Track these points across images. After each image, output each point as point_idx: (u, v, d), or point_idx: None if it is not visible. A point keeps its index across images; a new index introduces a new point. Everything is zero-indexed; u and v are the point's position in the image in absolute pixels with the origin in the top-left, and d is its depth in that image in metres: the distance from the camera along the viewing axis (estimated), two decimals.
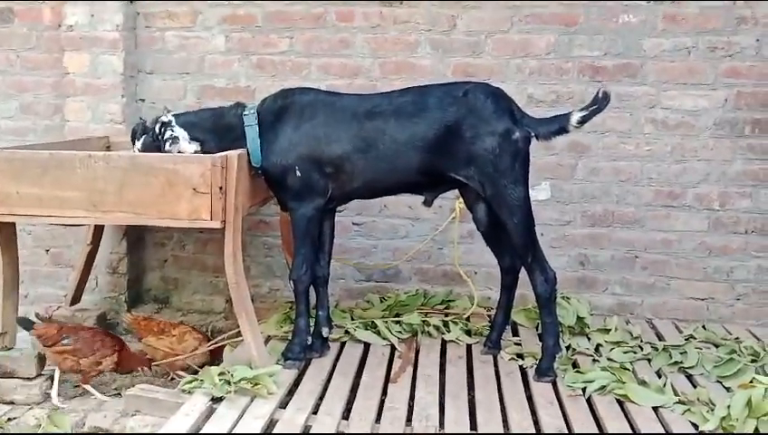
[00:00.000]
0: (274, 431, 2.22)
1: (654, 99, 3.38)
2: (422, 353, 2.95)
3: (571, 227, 3.49)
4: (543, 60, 3.42)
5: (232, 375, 2.47)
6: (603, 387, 2.60)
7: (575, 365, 2.83)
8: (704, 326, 3.28)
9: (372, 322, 3.11)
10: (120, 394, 2.83)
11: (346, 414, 2.42)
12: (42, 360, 2.86)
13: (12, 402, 2.78)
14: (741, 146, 3.36)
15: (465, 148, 2.65)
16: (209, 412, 2.31)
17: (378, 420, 2.38)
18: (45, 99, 3.64)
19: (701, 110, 3.36)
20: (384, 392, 2.58)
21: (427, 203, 2.93)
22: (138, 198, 2.47)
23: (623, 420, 2.41)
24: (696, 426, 2.33)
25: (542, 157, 3.36)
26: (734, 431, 2.19)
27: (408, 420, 2.39)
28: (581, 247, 3.50)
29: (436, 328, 3.12)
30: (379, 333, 3.07)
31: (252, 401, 2.41)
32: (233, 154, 2.46)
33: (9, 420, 2.67)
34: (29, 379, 2.80)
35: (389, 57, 3.50)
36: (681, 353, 2.93)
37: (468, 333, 3.14)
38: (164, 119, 2.76)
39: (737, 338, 3.14)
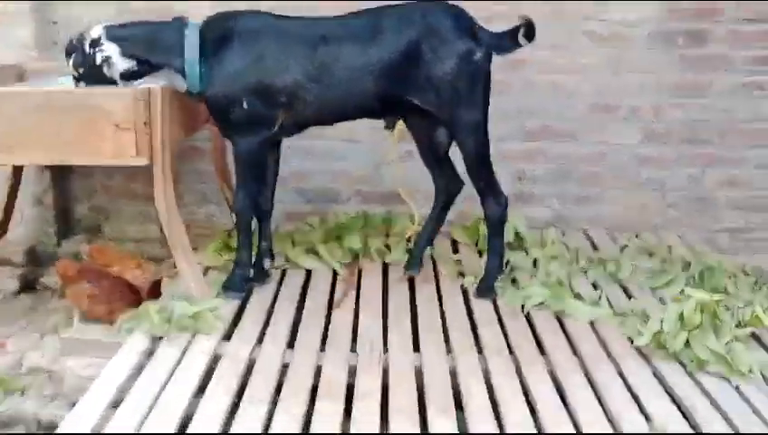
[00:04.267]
0: (219, 367, 2.21)
1: (589, 11, 3.33)
2: (364, 277, 2.95)
3: (508, 142, 3.48)
4: None
5: (171, 312, 2.42)
6: (541, 303, 2.67)
7: (514, 281, 2.89)
8: (637, 235, 3.38)
9: (313, 248, 3.08)
10: None
11: (291, 343, 2.42)
12: None
13: None
14: (674, 57, 3.36)
15: (425, 72, 2.55)
16: (150, 351, 2.27)
17: (322, 347, 2.39)
18: None
19: (635, 21, 3.33)
20: (328, 319, 2.58)
21: (389, 126, 2.86)
22: (58, 136, 2.33)
23: (560, 334, 2.48)
24: (630, 339, 2.42)
25: None
26: (666, 345, 2.28)
27: (353, 346, 2.40)
28: (518, 163, 3.51)
29: (378, 251, 3.12)
30: (320, 259, 3.05)
31: (194, 337, 2.38)
32: (156, 87, 2.33)
33: None
34: None
35: None
36: (615, 264, 3.01)
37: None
38: (93, 34, 2.51)
39: (669, 246, 3.25)
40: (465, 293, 2.82)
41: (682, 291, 2.57)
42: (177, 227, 2.50)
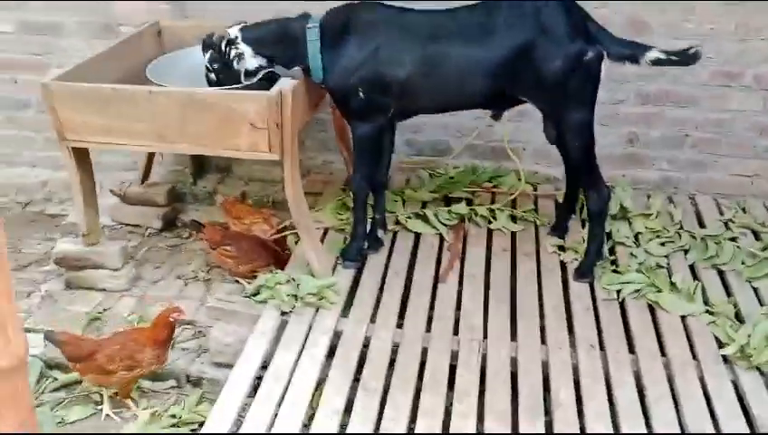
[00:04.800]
0: (338, 349, 2.54)
1: None
2: (469, 244, 3.16)
3: (624, 105, 3.47)
4: None
5: (298, 287, 2.75)
6: (637, 291, 2.82)
7: (613, 260, 3.03)
8: (743, 209, 3.38)
9: (423, 212, 3.30)
10: None
11: (400, 322, 2.71)
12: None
13: (103, 289, 3.16)
14: None
15: (534, 70, 2.60)
16: (281, 328, 2.63)
17: (428, 328, 2.68)
18: None
19: None
20: (433, 296, 2.84)
21: (496, 117, 2.96)
22: (199, 131, 2.60)
23: (651, 330, 2.65)
24: (719, 341, 2.57)
25: None
26: (751, 359, 2.42)
27: (456, 331, 2.67)
28: (632, 125, 3.51)
29: (483, 217, 3.30)
30: (428, 222, 3.27)
31: (317, 311, 2.71)
32: (287, 89, 2.51)
33: (104, 310, 3.06)
34: (115, 270, 3.15)
35: None
36: (717, 246, 3.08)
37: (514, 219, 3.31)
38: (230, 35, 2.74)
39: None
40: (563, 268, 3.00)
41: None
42: (303, 212, 2.77)
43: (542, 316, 2.74)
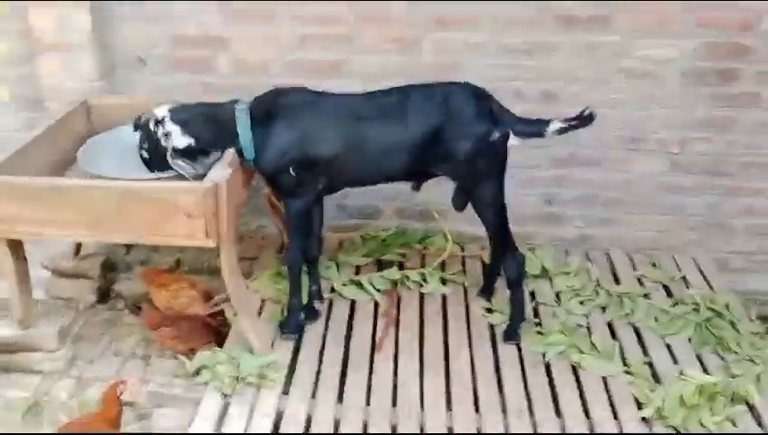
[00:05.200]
0: (281, 431, 2.62)
1: (624, 49, 3.43)
2: (402, 309, 3.29)
3: (539, 169, 3.69)
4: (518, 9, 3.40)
5: (238, 366, 2.82)
6: (561, 353, 3.01)
7: (538, 322, 3.22)
8: (654, 264, 3.64)
9: (357, 279, 3.41)
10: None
11: (340, 395, 2.81)
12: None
13: (40, 371, 3.14)
14: (704, 94, 3.48)
15: (445, 150, 2.80)
16: (224, 411, 2.69)
17: (368, 401, 2.78)
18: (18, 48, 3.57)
19: (670, 60, 3.43)
20: (371, 367, 2.95)
21: (416, 188, 3.12)
22: (135, 222, 2.63)
23: (576, 392, 2.83)
24: (638, 401, 2.77)
25: (514, 106, 3.47)
26: (667, 419, 2.63)
27: (394, 402, 2.79)
28: (548, 187, 3.73)
29: (415, 282, 3.44)
30: (363, 289, 3.39)
31: (258, 391, 2.78)
32: (222, 182, 2.59)
33: (43, 395, 3.03)
34: (51, 351, 3.14)
35: (365, 4, 3.43)
36: (631, 302, 3.31)
37: (444, 282, 3.47)
38: (158, 115, 2.82)
39: (684, 276, 3.52)
40: (492, 331, 3.17)
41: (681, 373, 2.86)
42: (242, 294, 2.84)
43: (474, 382, 2.89)
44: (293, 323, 3.09)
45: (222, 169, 2.68)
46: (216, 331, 3.15)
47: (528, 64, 3.47)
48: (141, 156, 2.88)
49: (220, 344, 3.07)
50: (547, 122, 2.80)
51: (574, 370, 2.95)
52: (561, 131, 2.80)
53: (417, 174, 3.00)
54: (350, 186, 3.11)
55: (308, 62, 3.54)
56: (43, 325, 3.14)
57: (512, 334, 3.09)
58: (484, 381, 2.89)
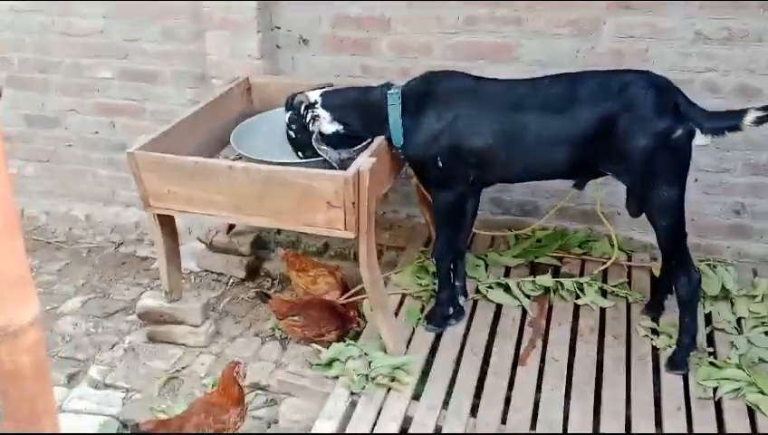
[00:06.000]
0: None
1: None
2: (553, 320, 3.00)
3: (730, 174, 3.21)
4: None
5: (369, 364, 2.68)
6: (736, 390, 2.59)
7: (711, 344, 2.80)
8: None
9: (506, 282, 3.16)
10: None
11: (474, 409, 2.59)
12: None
13: (183, 344, 3.20)
14: None
15: (618, 145, 2.48)
16: (349, 412, 2.56)
17: (503, 420, 2.55)
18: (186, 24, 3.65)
19: None
20: (511, 381, 2.70)
21: (579, 187, 2.83)
22: (276, 206, 2.57)
23: None
24: None
25: (707, 99, 3.03)
26: None
27: (533, 423, 2.53)
28: (739, 196, 3.24)
29: (570, 292, 3.12)
30: (510, 293, 3.13)
31: (387, 393, 2.63)
32: (365, 169, 2.44)
33: (183, 368, 3.09)
34: (196, 326, 3.19)
35: None
36: None
37: (604, 294, 3.12)
38: (310, 99, 2.76)
39: None
40: (655, 356, 2.80)
41: None
42: (378, 290, 2.69)
43: (628, 413, 2.56)
44: (440, 316, 2.94)
45: (367, 157, 2.53)
46: (346, 317, 3.04)
47: (725, 54, 3.01)
48: (288, 135, 2.84)
49: (347, 333, 3.00)
50: (742, 112, 2.39)
51: (750, 413, 2.52)
52: (761, 121, 2.37)
53: (580, 172, 2.71)
54: (504, 181, 2.88)
55: (472, 46, 3.31)
56: (189, 299, 3.19)
57: (678, 363, 2.70)
58: (640, 413, 2.54)
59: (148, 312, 3.18)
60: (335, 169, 2.62)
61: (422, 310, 3.06)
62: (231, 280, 3.69)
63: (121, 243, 4.06)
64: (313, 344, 3.01)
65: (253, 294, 3.57)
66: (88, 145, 4.13)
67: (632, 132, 2.44)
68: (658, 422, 2.51)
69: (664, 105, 2.43)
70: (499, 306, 3.09)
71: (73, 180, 4.24)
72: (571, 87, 2.54)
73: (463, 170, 2.67)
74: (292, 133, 2.83)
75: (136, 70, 3.84)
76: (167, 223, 2.89)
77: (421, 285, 3.18)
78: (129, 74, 3.86)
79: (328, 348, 2.82)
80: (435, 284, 3.09)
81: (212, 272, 3.74)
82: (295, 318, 3.00)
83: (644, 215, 2.66)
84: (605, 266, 3.24)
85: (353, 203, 2.46)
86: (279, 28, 3.54)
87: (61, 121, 4.11)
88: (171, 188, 2.67)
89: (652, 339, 2.87)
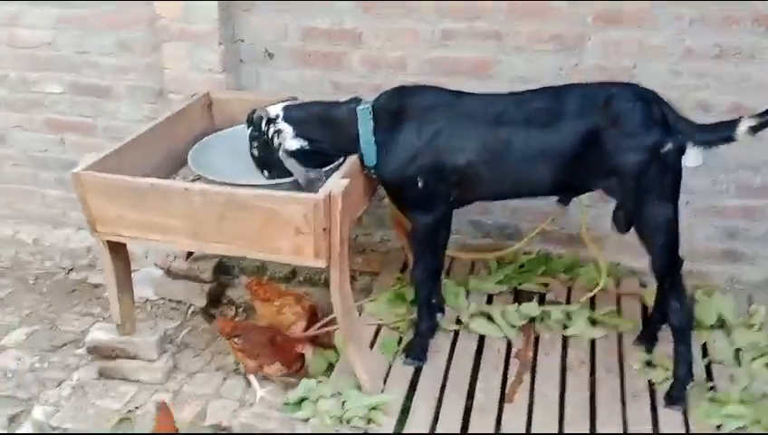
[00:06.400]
0: None
1: None
2: (540, 353, 2.79)
3: (724, 197, 3.04)
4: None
5: (343, 405, 2.44)
6: (741, 428, 2.40)
7: (709, 377, 2.61)
8: None
9: (488, 311, 2.94)
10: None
11: None
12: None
13: (137, 381, 2.92)
14: None
15: (606, 162, 2.32)
16: None
17: None
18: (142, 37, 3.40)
19: None
20: (498, 421, 2.48)
21: (564, 202, 2.66)
22: (237, 232, 2.33)
23: None
24: None
25: (699, 118, 2.86)
26: None
27: None
28: (731, 219, 3.07)
29: (557, 321, 2.91)
30: (494, 322, 2.91)
31: None
32: (337, 191, 2.21)
33: (136, 408, 2.80)
34: (150, 361, 2.91)
35: None
36: None
37: (593, 322, 2.92)
38: (271, 113, 2.53)
39: None
40: (651, 390, 2.59)
41: None
42: (351, 321, 2.46)
43: None
44: (419, 348, 2.72)
45: (338, 179, 2.30)
46: (288, 353, 2.80)
47: (717, 72, 2.85)
48: (251, 154, 2.62)
49: (290, 367, 2.79)
50: (735, 123, 2.23)
51: None
52: (755, 130, 2.21)
53: (567, 188, 2.54)
54: (486, 199, 2.71)
55: (450, 61, 3.10)
56: (144, 331, 2.92)
57: (676, 398, 2.50)
58: None
59: (98, 346, 2.89)
60: (302, 189, 2.39)
61: (399, 342, 2.83)
62: (191, 309, 3.41)
63: (72, 269, 3.76)
64: (252, 379, 2.79)
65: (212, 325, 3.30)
66: (36, 163, 3.83)
67: (620, 148, 2.29)
68: None
69: (652, 118, 2.28)
70: (482, 337, 2.87)
71: (20, 201, 3.94)
72: (554, 101, 2.38)
73: (444, 190, 2.47)
74: (255, 151, 2.61)
75: (88, 84, 3.57)
76: (118, 249, 2.62)
77: (398, 314, 2.96)
78: (81, 89, 3.59)
79: (263, 386, 2.65)
80: (413, 314, 2.86)
81: (170, 300, 3.46)
82: (236, 340, 2.78)
83: (634, 237, 2.48)
84: (593, 293, 3.02)
85: (324, 229, 2.23)
86: (242, 41, 3.30)
87: (6, 139, 3.82)
88: (121, 212, 2.41)
89: (647, 372, 2.66)
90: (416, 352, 2.71)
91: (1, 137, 3.82)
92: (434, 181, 2.43)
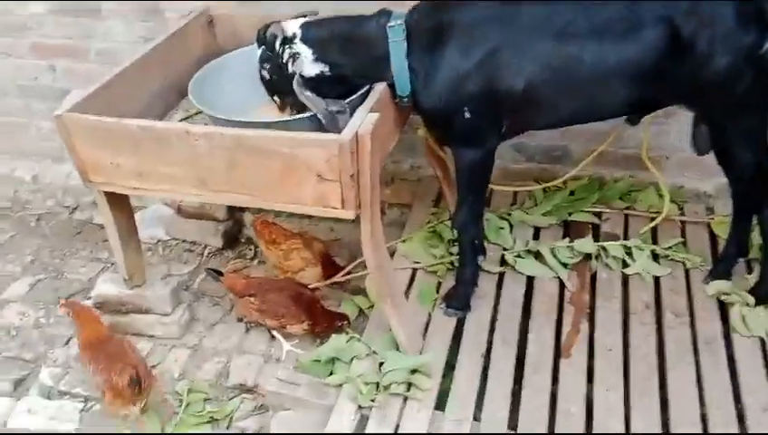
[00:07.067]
0: None
1: None
2: (599, 294, 2.48)
3: None
4: None
5: (380, 368, 2.17)
6: None
7: None
8: None
9: (536, 249, 2.61)
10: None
11: (513, 420, 2.09)
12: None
13: (152, 336, 2.67)
14: None
15: (694, 70, 1.96)
16: (359, 430, 2.06)
17: (550, 430, 2.05)
18: None
19: None
20: (554, 379, 2.20)
21: (633, 122, 2.32)
22: (250, 180, 1.99)
23: None
24: None
25: None
26: None
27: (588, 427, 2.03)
28: None
29: (615, 259, 2.58)
30: (543, 262, 2.59)
31: (404, 403, 2.12)
32: (365, 131, 1.85)
33: (152, 366, 2.55)
34: (165, 314, 2.64)
35: None
36: None
37: (656, 257, 2.59)
38: (287, 31, 2.13)
39: None
40: (727, 337, 2.29)
41: None
42: (385, 274, 2.14)
43: (702, 408, 2.06)
44: (462, 297, 2.42)
45: (366, 114, 1.93)
46: (313, 307, 2.50)
47: None
48: (261, 77, 2.23)
49: (318, 324, 2.48)
50: None
51: None
52: None
53: (642, 106, 2.18)
54: (545, 127, 2.36)
55: None
56: (156, 283, 2.63)
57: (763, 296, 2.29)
58: (717, 413, 2.04)
59: (107, 301, 2.62)
60: (323, 124, 2.02)
61: (438, 288, 2.53)
62: (207, 250, 3.13)
63: (76, 207, 3.47)
64: (275, 334, 2.52)
65: (234, 266, 3.02)
66: (27, 93, 3.47)
67: (712, 51, 1.93)
68: (741, 418, 2.03)
69: (747, 15, 1.91)
70: (531, 279, 2.56)
71: (14, 135, 3.61)
72: (630, 6, 1.97)
73: (496, 120, 2.10)
74: (265, 74, 2.21)
75: (72, 2, 3.14)
76: (118, 199, 2.29)
77: (435, 255, 2.65)
78: (66, 8, 3.17)
79: (288, 340, 2.40)
80: (453, 255, 2.56)
81: (183, 241, 3.17)
82: (252, 299, 2.50)
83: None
84: (655, 223, 2.69)
85: (352, 175, 1.88)
86: None
87: None
88: (115, 159, 2.07)
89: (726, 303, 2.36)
90: (458, 301, 2.41)
91: None
92: (484, 110, 2.05)
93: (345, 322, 2.50)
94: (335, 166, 1.86)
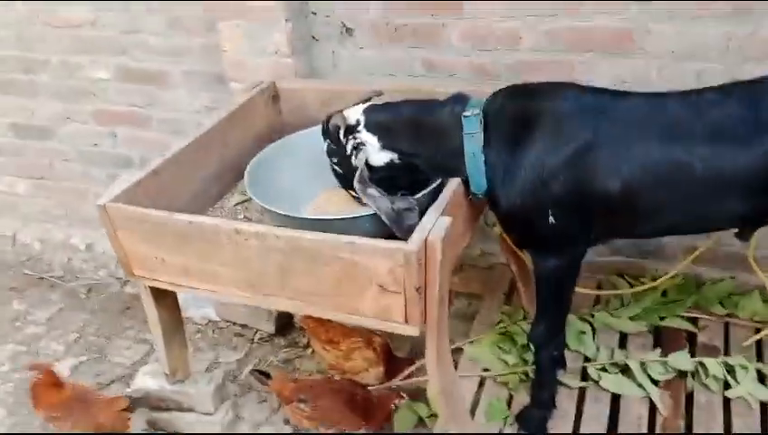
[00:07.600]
0: None
1: None
2: (696, 426, 2.13)
3: None
4: None
5: None
6: None
7: None
8: None
9: (624, 362, 2.30)
10: None
11: None
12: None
13: None
14: None
15: None
16: None
17: None
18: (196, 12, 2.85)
19: None
20: None
21: (744, 238, 2.00)
22: (306, 286, 1.77)
23: None
24: None
25: None
26: None
27: None
28: None
29: (716, 379, 2.25)
30: (631, 377, 2.27)
31: None
32: (436, 238, 1.62)
33: None
34: (208, 414, 2.43)
35: None
36: None
37: (762, 379, 2.24)
38: (350, 119, 1.93)
39: None
40: None
41: None
42: (452, 399, 1.90)
43: None
44: (538, 421, 2.13)
45: (437, 216, 1.70)
46: (370, 409, 2.23)
47: None
48: (334, 172, 2.04)
49: (374, 419, 2.22)
50: None
51: None
52: None
53: (756, 220, 1.87)
54: (640, 237, 2.06)
55: (577, 33, 2.41)
56: (200, 379, 2.42)
57: None
58: None
59: (146, 396, 2.43)
60: (389, 226, 1.79)
61: (509, 402, 2.24)
62: (257, 335, 2.93)
63: (128, 281, 3.32)
64: None
65: (284, 355, 2.81)
66: (86, 159, 3.39)
67: None
68: None
69: None
70: (616, 398, 2.24)
71: (72, 201, 3.52)
72: (750, 102, 1.69)
73: (585, 226, 1.83)
74: (337, 168, 2.02)
75: (138, 69, 3.05)
76: (163, 293, 2.10)
77: (506, 362, 2.37)
78: (130, 75, 3.08)
79: None
80: (527, 363, 2.29)
81: (234, 323, 2.98)
82: (301, 406, 2.24)
83: None
84: (761, 335, 2.35)
85: (418, 289, 1.64)
86: (315, 14, 2.70)
87: (54, 132, 3.38)
88: (160, 253, 1.89)
89: None
90: (533, 425, 2.13)
91: (48, 129, 3.38)
92: (572, 214, 1.80)
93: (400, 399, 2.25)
94: (399, 277, 1.63)
